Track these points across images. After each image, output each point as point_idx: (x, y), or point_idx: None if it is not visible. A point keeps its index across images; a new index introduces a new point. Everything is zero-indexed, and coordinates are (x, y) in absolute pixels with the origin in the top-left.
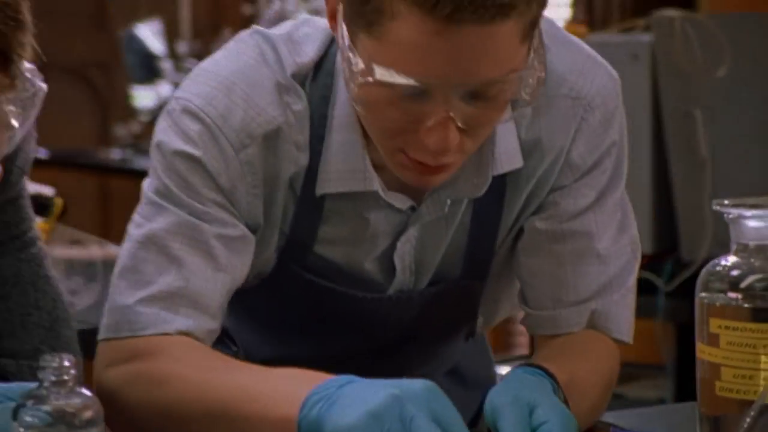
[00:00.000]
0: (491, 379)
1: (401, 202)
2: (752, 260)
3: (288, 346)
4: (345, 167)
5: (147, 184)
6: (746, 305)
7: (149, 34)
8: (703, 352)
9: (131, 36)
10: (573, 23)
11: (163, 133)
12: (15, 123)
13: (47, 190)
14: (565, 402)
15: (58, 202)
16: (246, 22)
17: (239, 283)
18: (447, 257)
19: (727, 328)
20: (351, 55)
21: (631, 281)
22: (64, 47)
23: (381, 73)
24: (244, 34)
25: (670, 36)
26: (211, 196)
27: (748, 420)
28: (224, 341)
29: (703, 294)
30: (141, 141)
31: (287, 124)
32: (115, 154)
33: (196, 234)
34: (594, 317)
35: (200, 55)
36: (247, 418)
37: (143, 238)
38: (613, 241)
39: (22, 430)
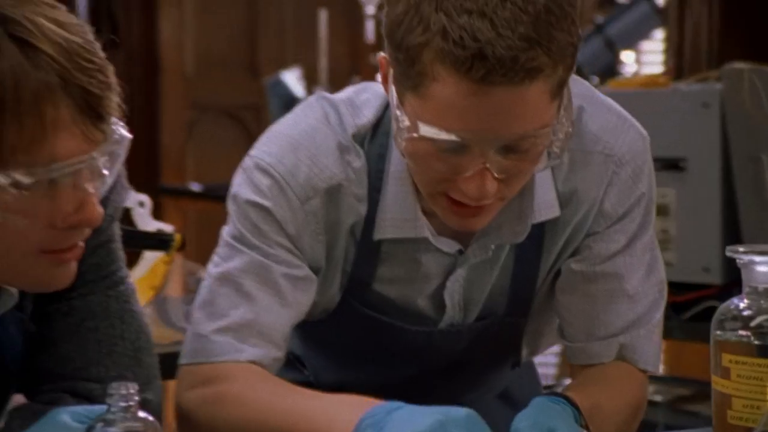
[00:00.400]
0: None
1: (449, 246)
2: (761, 302)
3: (352, 372)
4: (399, 216)
5: (225, 230)
6: (755, 342)
7: (293, 80)
8: (716, 383)
9: (276, 81)
10: (658, 74)
11: (239, 186)
12: (105, 172)
13: (167, 228)
14: (587, 427)
15: (177, 237)
16: (375, 70)
17: (302, 317)
18: (492, 295)
19: (737, 362)
20: (399, 113)
21: (657, 317)
22: (221, 92)
23: (425, 130)
24: (311, 99)
25: (739, 86)
26: (279, 241)
27: None
28: (296, 366)
29: (718, 332)
30: None
31: (347, 179)
32: None
33: (266, 273)
34: (622, 350)
35: None
36: (304, 426)
37: (219, 275)
38: (642, 281)
39: None
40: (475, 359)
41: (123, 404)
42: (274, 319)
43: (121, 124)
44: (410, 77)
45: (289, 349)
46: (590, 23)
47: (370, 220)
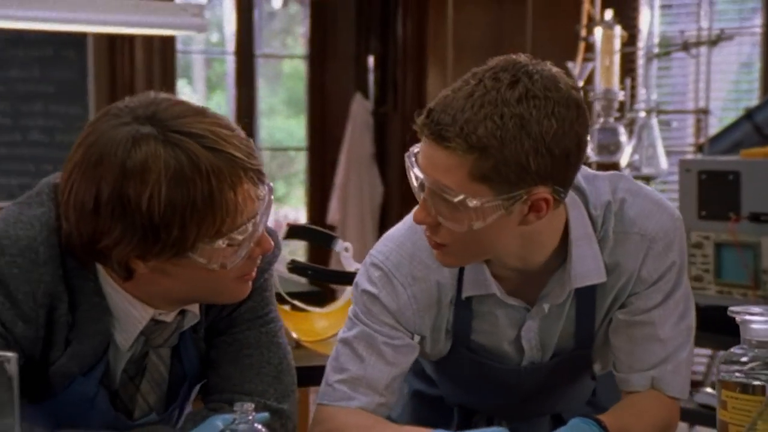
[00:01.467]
0: None
1: (516, 302)
2: (756, 351)
3: (469, 396)
4: (474, 277)
5: (350, 309)
6: (746, 382)
7: None
8: (719, 413)
9: None
10: None
11: (359, 277)
12: (263, 226)
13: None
14: None
15: None
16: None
17: (405, 370)
18: (562, 339)
19: (733, 397)
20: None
21: (684, 356)
22: None
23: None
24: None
25: None
26: (382, 319)
27: None
28: (434, 385)
29: (721, 374)
30: None
31: (440, 265)
32: None
33: (372, 341)
34: (654, 381)
35: None
36: None
37: (343, 340)
38: (672, 327)
39: None
40: (556, 384)
41: (242, 418)
42: (379, 375)
43: (269, 182)
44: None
45: (429, 373)
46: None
47: (459, 287)
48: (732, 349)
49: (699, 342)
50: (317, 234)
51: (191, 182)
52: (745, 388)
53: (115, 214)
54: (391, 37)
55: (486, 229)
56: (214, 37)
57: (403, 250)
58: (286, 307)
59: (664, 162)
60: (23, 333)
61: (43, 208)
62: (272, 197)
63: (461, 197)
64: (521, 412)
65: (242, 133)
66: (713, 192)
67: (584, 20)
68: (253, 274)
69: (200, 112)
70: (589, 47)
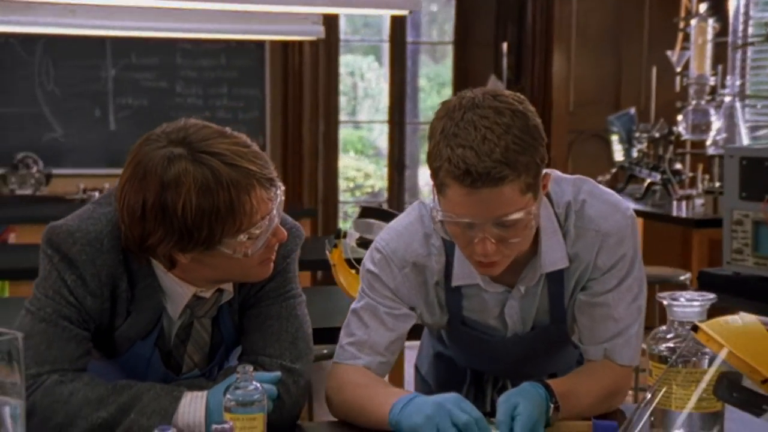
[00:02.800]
0: None
1: (496, 288)
2: (677, 329)
3: (470, 361)
4: (462, 271)
5: (360, 285)
6: (665, 355)
7: (631, 117)
8: (648, 380)
9: (621, 115)
10: None
11: (366, 257)
12: (277, 220)
13: None
14: (557, 404)
15: None
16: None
17: (403, 335)
18: (539, 315)
19: (656, 367)
20: (435, 207)
21: (634, 331)
22: (591, 122)
23: (443, 216)
24: (414, 204)
25: None
26: (384, 293)
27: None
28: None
29: (650, 348)
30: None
31: (429, 255)
32: None
33: (375, 311)
34: (607, 352)
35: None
36: (371, 412)
37: (352, 310)
38: (625, 308)
39: (229, 396)
40: (538, 352)
41: (244, 378)
42: (380, 339)
43: (280, 185)
44: (437, 186)
45: (440, 341)
46: None
47: (448, 274)
48: (659, 328)
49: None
50: (386, 214)
51: (215, 192)
52: (663, 360)
53: (158, 219)
54: (523, 24)
55: (535, 222)
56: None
57: (401, 239)
58: (354, 271)
59: (745, 141)
60: (92, 305)
61: (110, 207)
62: (283, 197)
63: (523, 212)
64: (518, 373)
65: (256, 149)
66: (752, 176)
67: (682, 12)
68: (273, 257)
69: (222, 134)
70: (687, 37)
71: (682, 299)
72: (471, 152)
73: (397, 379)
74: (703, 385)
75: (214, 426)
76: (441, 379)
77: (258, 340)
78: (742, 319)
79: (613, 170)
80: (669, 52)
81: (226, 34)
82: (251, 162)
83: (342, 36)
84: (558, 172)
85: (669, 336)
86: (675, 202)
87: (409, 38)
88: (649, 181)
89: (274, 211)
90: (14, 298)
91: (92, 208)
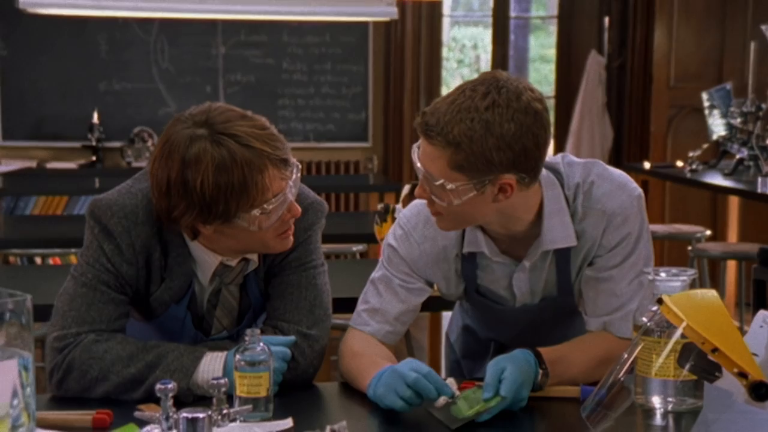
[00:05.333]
0: None
1: (504, 259)
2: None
3: (486, 329)
4: (471, 239)
5: (380, 258)
6: (647, 327)
7: (727, 91)
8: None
9: (718, 89)
10: None
11: (389, 232)
12: (291, 197)
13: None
14: (546, 371)
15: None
16: None
17: (415, 308)
18: (546, 287)
19: (641, 339)
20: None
21: (633, 306)
22: (693, 97)
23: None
24: None
25: None
26: (401, 267)
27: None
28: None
29: (635, 317)
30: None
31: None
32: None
33: (390, 283)
34: (606, 325)
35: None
36: (359, 382)
37: (371, 279)
38: (627, 284)
39: (238, 356)
40: (546, 321)
41: (252, 341)
42: (391, 308)
43: (295, 162)
44: None
45: (467, 313)
46: None
47: (462, 244)
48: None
49: None
50: None
51: (230, 170)
52: (647, 332)
53: (180, 194)
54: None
55: (464, 204)
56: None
57: (421, 216)
58: None
59: None
60: (128, 272)
61: (147, 183)
62: (298, 174)
63: (441, 181)
64: (530, 342)
65: (273, 131)
66: None
67: None
68: (290, 231)
69: (242, 117)
70: None
71: (663, 274)
72: (435, 106)
73: (434, 351)
74: (664, 354)
75: (212, 380)
76: (466, 350)
77: (279, 307)
78: (702, 293)
79: (705, 145)
80: (763, 27)
81: (294, 16)
82: (265, 143)
83: (446, 12)
84: (571, 156)
85: (654, 308)
86: (760, 179)
87: (513, 13)
88: (738, 156)
89: (288, 189)
90: None
91: (131, 184)
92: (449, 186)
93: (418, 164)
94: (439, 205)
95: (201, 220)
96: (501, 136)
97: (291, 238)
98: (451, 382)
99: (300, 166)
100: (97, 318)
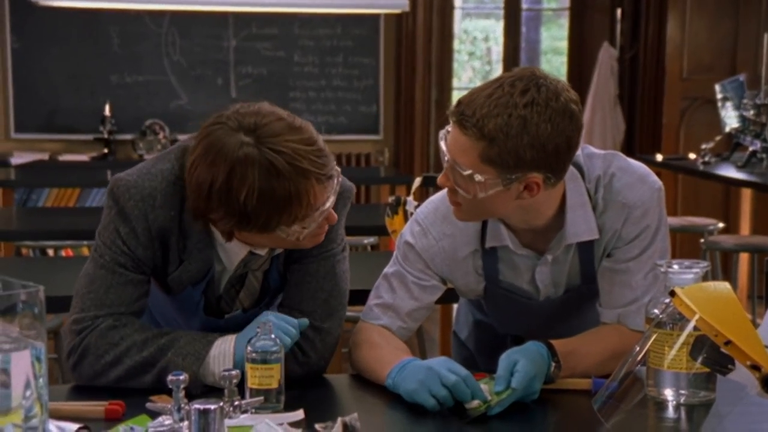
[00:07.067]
0: None
1: (527, 252)
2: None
3: (509, 325)
4: (493, 233)
5: (395, 252)
6: (659, 320)
7: (740, 83)
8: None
9: (731, 81)
10: None
11: (405, 228)
12: (330, 207)
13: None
14: (558, 363)
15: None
16: None
17: (428, 305)
18: (570, 277)
19: (653, 331)
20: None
21: (647, 299)
22: (705, 89)
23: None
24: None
25: None
26: (416, 264)
27: (621, 373)
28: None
29: (648, 309)
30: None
31: (466, 224)
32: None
33: (404, 279)
34: (620, 317)
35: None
36: (376, 372)
37: (383, 274)
38: (643, 277)
39: (250, 349)
40: (572, 312)
41: (263, 332)
42: (404, 304)
43: (337, 170)
44: None
45: (484, 308)
46: None
47: (483, 240)
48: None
49: None
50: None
51: (276, 186)
52: (659, 325)
53: (221, 200)
54: None
55: (488, 198)
56: None
57: (439, 212)
58: None
59: None
60: (143, 254)
61: (169, 164)
62: (337, 184)
63: (470, 172)
64: (553, 335)
65: (321, 146)
66: None
67: None
68: (323, 232)
69: (291, 129)
70: None
71: (675, 266)
72: (472, 97)
73: (445, 344)
74: (676, 346)
75: (223, 371)
76: (482, 345)
77: (295, 295)
78: (715, 285)
79: (717, 137)
80: None
81: (305, 8)
82: (313, 162)
83: (457, 4)
84: (591, 148)
85: (667, 301)
86: None
87: (525, 5)
88: (751, 149)
89: (328, 202)
90: None
91: (152, 164)
92: (477, 178)
93: (446, 151)
94: (461, 195)
95: (238, 227)
96: (536, 135)
97: (323, 236)
98: (484, 388)
99: (339, 171)
100: (116, 301)
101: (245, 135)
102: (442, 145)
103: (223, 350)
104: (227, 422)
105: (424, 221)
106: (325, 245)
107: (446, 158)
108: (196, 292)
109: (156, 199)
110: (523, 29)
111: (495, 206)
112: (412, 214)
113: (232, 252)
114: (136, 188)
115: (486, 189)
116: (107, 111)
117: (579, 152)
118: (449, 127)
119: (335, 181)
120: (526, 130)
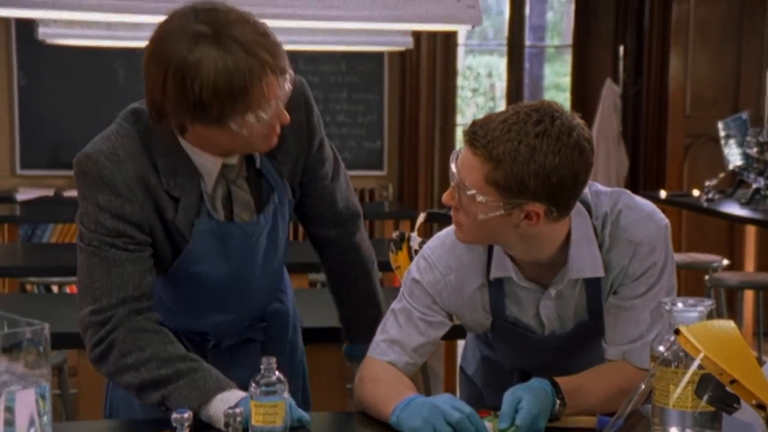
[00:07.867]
0: None
1: (531, 286)
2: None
3: (516, 359)
4: (498, 264)
5: (401, 288)
6: (664, 357)
7: (743, 120)
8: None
9: (735, 119)
10: None
11: (412, 266)
12: (281, 104)
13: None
14: (563, 400)
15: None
16: None
17: (434, 341)
18: (577, 313)
19: (659, 368)
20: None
21: (652, 336)
22: (708, 125)
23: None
24: None
25: None
26: (423, 300)
27: (626, 410)
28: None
29: (654, 350)
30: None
31: (472, 257)
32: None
33: (410, 315)
34: (625, 354)
35: None
36: (379, 409)
37: (391, 310)
38: (649, 314)
39: (253, 385)
40: (577, 348)
41: (268, 369)
42: (410, 340)
43: (290, 71)
44: None
45: (491, 342)
46: None
47: (488, 273)
48: (666, 336)
49: None
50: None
51: (231, 77)
52: (664, 362)
53: (176, 90)
54: (641, 26)
55: (489, 221)
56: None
57: (445, 246)
58: None
59: None
60: (131, 211)
61: (114, 125)
62: (290, 85)
63: (473, 192)
64: (560, 370)
65: (274, 39)
66: None
67: None
68: (276, 134)
69: (245, 20)
70: None
71: (680, 304)
72: (487, 119)
73: (449, 380)
74: (681, 384)
75: (228, 409)
76: (489, 381)
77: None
78: (720, 324)
79: (721, 174)
80: None
81: (310, 46)
82: (267, 51)
83: (461, 41)
84: (598, 185)
85: (671, 339)
86: None
87: (528, 41)
88: (755, 186)
89: (280, 96)
90: None
91: (100, 136)
92: (479, 198)
93: (454, 170)
94: (463, 216)
95: (191, 119)
96: (543, 165)
97: (275, 138)
98: (488, 426)
99: (293, 75)
100: (121, 284)
101: (201, 25)
102: (452, 163)
103: (230, 397)
104: None
105: (431, 256)
106: (320, 151)
107: (454, 177)
108: (204, 221)
109: (119, 155)
110: (527, 65)
111: (495, 231)
112: (416, 250)
113: (206, 170)
114: (95, 153)
115: (487, 211)
116: None
117: (586, 189)
118: (462, 148)
119: (287, 78)
120: (534, 159)
